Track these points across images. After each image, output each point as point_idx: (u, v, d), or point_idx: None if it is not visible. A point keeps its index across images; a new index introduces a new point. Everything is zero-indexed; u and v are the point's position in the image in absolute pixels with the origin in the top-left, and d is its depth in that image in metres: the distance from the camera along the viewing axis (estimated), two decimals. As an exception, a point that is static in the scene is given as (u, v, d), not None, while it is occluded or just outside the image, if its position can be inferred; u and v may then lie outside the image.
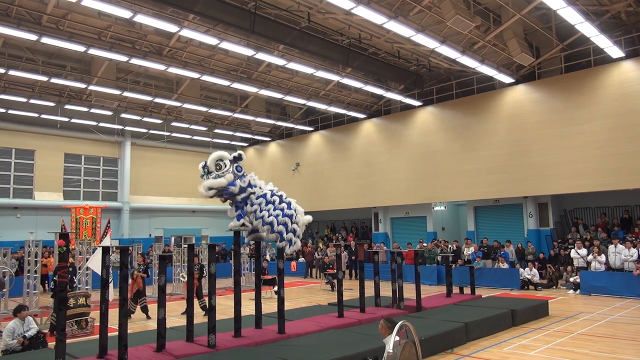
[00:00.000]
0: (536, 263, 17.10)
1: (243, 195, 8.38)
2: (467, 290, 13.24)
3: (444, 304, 11.30)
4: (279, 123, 26.59)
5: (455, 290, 13.21)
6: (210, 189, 8.10)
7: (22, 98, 19.98)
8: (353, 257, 21.04)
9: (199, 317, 10.66)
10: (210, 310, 7.63)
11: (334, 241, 24.23)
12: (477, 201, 21.19)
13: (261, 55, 16.84)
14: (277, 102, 26.38)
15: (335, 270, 11.88)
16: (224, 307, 11.65)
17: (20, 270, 16.77)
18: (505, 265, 17.36)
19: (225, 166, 8.27)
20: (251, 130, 27.00)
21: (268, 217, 8.31)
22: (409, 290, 11.73)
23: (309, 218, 8.81)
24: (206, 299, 10.44)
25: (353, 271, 21.20)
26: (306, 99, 22.34)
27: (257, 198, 8.45)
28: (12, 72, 17.32)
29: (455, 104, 21.05)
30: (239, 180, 8.31)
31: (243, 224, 8.36)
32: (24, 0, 14.38)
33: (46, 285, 17.60)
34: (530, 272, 16.37)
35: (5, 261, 13.51)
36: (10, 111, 21.02)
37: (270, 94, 21.68)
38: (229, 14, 13.18)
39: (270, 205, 8.39)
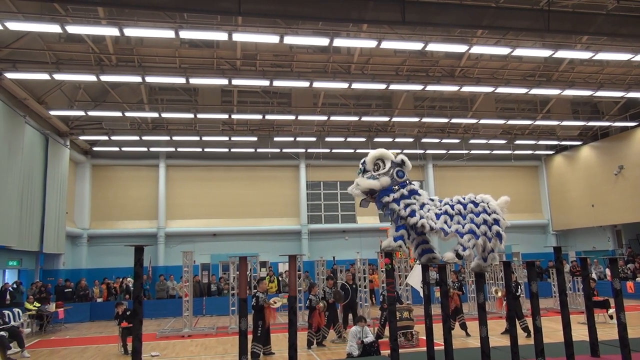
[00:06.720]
0: None
1: (398, 206, 6.90)
2: None
3: None
4: (591, 123, 23.43)
5: None
6: (358, 188, 7.04)
7: (340, 138, 23.51)
8: None
9: (521, 338, 10.13)
10: (535, 332, 7.17)
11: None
12: None
13: (561, 53, 15.28)
14: (585, 101, 23.41)
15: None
16: (547, 330, 10.73)
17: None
18: None
19: (384, 167, 7.06)
20: (557, 135, 24.62)
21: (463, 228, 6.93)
22: None
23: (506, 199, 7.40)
24: (527, 319, 9.88)
25: None
26: (624, 91, 19.03)
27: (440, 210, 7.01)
28: (332, 118, 20.63)
29: None
30: (398, 187, 6.94)
31: (400, 246, 6.92)
32: (337, 56, 17.12)
33: (373, 298, 19.82)
34: None
35: (341, 277, 15.88)
36: (333, 150, 24.98)
37: (576, 93, 19.44)
38: (518, 19, 12.65)
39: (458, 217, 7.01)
